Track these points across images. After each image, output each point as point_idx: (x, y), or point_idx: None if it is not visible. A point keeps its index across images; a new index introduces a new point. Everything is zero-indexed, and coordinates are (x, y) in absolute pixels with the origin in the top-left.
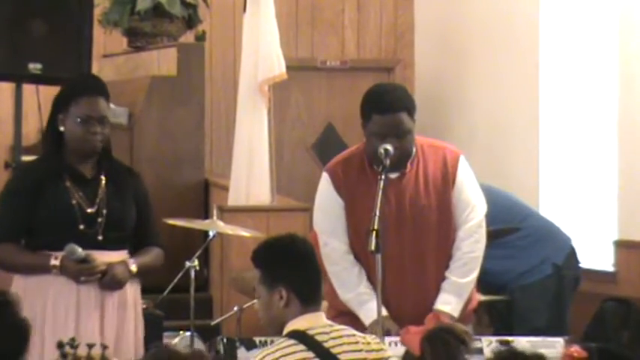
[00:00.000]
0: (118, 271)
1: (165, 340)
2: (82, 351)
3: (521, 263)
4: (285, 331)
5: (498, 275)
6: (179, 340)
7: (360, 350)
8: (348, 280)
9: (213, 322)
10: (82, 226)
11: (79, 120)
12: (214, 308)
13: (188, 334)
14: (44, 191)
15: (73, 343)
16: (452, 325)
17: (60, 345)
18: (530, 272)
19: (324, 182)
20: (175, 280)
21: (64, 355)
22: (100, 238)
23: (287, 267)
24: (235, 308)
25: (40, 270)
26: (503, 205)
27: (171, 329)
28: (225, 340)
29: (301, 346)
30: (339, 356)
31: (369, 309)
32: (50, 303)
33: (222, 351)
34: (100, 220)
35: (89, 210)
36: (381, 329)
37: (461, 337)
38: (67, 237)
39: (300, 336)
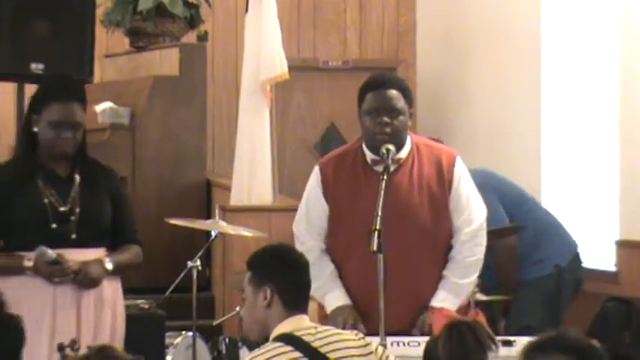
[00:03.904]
0: (92, 269)
1: (168, 340)
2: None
3: (522, 259)
4: (272, 337)
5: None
6: (181, 340)
7: (348, 347)
8: (312, 272)
9: (216, 322)
10: (54, 225)
11: (50, 125)
12: (216, 308)
13: (190, 334)
14: (17, 192)
15: (73, 346)
16: (477, 324)
17: (60, 347)
18: (530, 269)
19: (314, 179)
20: (177, 280)
21: (64, 357)
22: (73, 236)
23: (276, 268)
24: (237, 308)
25: (15, 272)
26: (513, 197)
27: (174, 329)
28: (227, 340)
29: (289, 347)
30: (327, 355)
31: (332, 297)
32: (26, 303)
33: (224, 351)
34: (72, 218)
35: (62, 209)
36: (342, 319)
37: (479, 338)
38: (39, 236)
39: (287, 338)
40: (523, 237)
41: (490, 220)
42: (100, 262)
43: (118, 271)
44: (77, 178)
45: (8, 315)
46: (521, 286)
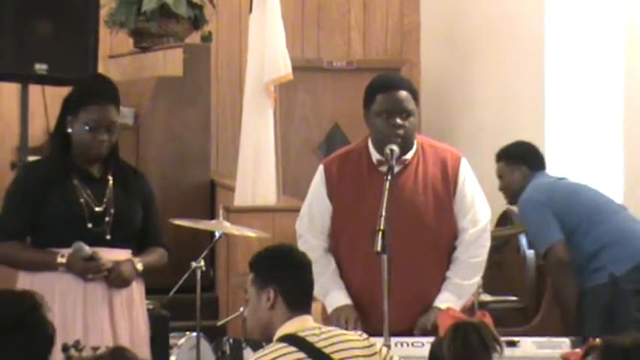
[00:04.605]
0: (124, 268)
1: (172, 341)
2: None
3: (582, 267)
4: (276, 337)
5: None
6: (185, 341)
7: (352, 348)
8: (315, 270)
9: (220, 323)
10: (90, 225)
11: (87, 127)
12: (220, 309)
13: (194, 334)
14: (52, 189)
15: (78, 346)
16: (483, 324)
17: (64, 348)
18: (588, 278)
19: (318, 177)
20: (181, 281)
21: (68, 358)
22: (108, 237)
23: (279, 269)
24: (241, 309)
25: (46, 267)
26: (581, 208)
27: (178, 330)
28: (231, 341)
29: (293, 348)
30: (331, 355)
31: (332, 297)
32: (57, 300)
33: (228, 351)
34: (107, 218)
35: (97, 208)
36: (344, 318)
37: (484, 339)
38: (75, 234)
39: (291, 338)
40: (585, 248)
41: (539, 235)
42: (131, 262)
43: (145, 272)
44: (110, 179)
45: (42, 320)
46: (579, 295)
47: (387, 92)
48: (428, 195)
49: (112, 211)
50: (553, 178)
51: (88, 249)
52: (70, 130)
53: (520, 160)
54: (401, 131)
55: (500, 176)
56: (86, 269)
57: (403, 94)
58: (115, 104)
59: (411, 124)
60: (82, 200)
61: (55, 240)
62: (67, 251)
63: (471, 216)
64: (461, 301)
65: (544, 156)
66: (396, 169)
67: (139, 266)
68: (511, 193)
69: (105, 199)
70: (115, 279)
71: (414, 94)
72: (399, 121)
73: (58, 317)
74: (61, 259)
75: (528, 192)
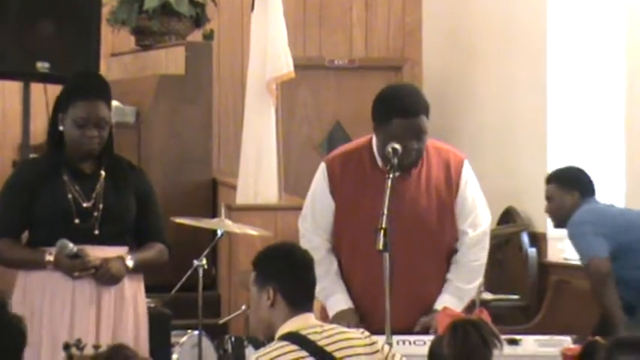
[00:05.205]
0: (112, 265)
1: (174, 339)
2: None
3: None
4: (277, 336)
5: (632, 284)
6: (187, 339)
7: (353, 346)
8: (318, 272)
9: (221, 321)
10: (77, 220)
11: (75, 123)
12: (222, 307)
13: (196, 332)
14: (42, 186)
15: (79, 345)
16: (482, 322)
17: (66, 346)
18: None
19: (320, 175)
20: (183, 279)
21: (70, 357)
22: (96, 232)
23: (279, 268)
24: (243, 307)
25: (36, 266)
26: (632, 228)
27: (179, 328)
28: (233, 339)
29: (294, 346)
30: (333, 354)
31: (334, 301)
32: (47, 299)
33: (230, 350)
34: (95, 214)
35: (85, 204)
36: (346, 324)
37: (484, 336)
38: (62, 231)
39: (293, 336)
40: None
41: (581, 247)
42: (121, 258)
43: (140, 268)
44: (102, 174)
45: (10, 316)
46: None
47: (406, 119)
48: (431, 197)
49: (101, 206)
50: (603, 204)
51: (72, 246)
52: (61, 128)
53: (573, 185)
54: (415, 153)
55: (549, 198)
56: (72, 267)
57: (421, 118)
58: (105, 100)
59: (424, 142)
60: (70, 196)
61: (44, 237)
62: (55, 249)
63: (471, 220)
64: (462, 304)
65: (594, 182)
66: (399, 172)
67: (130, 263)
68: (560, 216)
69: (94, 195)
70: (103, 276)
71: (428, 112)
72: (415, 145)
73: (47, 316)
74: (49, 257)
75: (578, 214)
